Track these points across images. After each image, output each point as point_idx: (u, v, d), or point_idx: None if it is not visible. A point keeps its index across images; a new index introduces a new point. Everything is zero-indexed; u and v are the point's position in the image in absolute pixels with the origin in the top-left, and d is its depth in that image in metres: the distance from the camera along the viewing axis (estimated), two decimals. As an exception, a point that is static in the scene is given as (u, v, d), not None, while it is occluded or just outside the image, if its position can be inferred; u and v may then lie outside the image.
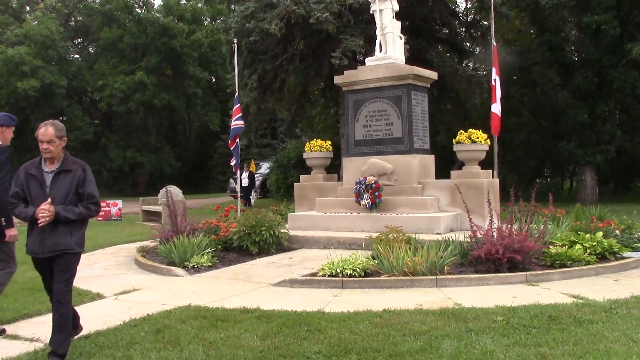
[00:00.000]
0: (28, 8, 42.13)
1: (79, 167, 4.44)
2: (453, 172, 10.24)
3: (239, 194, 14.15)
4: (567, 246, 7.44)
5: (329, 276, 6.71)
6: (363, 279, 6.61)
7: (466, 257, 7.18)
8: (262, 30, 16.79)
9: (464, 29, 22.30)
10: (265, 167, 31.08)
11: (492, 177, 10.18)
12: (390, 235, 7.58)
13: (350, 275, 6.64)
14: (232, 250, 8.93)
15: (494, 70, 11.44)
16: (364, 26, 16.67)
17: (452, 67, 19.12)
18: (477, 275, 6.64)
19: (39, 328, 5.21)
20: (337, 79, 11.27)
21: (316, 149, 11.82)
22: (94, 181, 4.51)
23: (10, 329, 5.24)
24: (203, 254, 8.19)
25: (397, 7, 10.92)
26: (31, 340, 4.90)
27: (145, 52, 37.99)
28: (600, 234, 7.93)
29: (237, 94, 13.30)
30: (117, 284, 7.24)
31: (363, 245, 8.47)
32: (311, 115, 27.18)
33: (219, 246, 8.97)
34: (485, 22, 20.60)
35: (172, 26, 36.42)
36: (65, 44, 37.33)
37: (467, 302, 5.64)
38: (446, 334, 4.59)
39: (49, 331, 4.41)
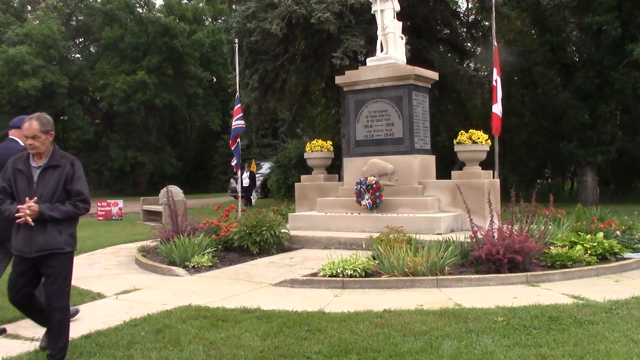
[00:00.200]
0: (29, 7, 42.18)
1: (67, 162, 4.20)
2: (454, 173, 10.23)
3: (239, 194, 14.13)
4: (567, 247, 7.44)
5: (330, 276, 6.70)
6: (364, 279, 6.61)
7: (467, 258, 7.18)
8: (263, 30, 16.80)
9: (465, 30, 22.31)
10: (266, 167, 31.10)
11: (493, 177, 10.17)
12: (390, 236, 7.58)
13: (351, 276, 6.64)
14: (233, 250, 8.93)
15: (495, 70, 11.43)
16: (365, 26, 16.68)
17: (453, 67, 19.11)
18: (477, 276, 6.63)
19: (40, 328, 5.19)
20: (338, 79, 11.28)
21: (317, 149, 11.83)
22: (84, 177, 4.28)
23: (10, 328, 5.25)
24: (204, 254, 8.19)
25: (398, 8, 10.92)
26: (32, 339, 4.89)
27: (146, 51, 38.02)
28: (601, 234, 7.92)
29: (238, 93, 13.30)
30: (117, 283, 7.24)
31: (364, 246, 8.46)
32: (312, 115, 27.19)
33: (220, 246, 8.96)
34: (487, 23, 20.63)
35: (174, 26, 36.47)
36: (66, 44, 37.37)
37: (467, 302, 5.64)
38: (446, 335, 4.59)
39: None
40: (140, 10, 39.51)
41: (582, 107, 19.43)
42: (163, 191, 15.58)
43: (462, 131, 10.03)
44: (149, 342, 4.63)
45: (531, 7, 20.59)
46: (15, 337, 5.02)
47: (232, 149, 12.87)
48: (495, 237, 6.93)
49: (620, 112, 22.39)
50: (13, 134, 5.49)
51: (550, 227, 8.08)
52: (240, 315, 5.35)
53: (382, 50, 10.95)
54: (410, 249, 6.92)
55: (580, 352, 4.10)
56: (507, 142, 19.89)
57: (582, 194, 20.04)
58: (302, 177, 12.13)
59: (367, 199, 9.82)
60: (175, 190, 15.34)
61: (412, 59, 13.09)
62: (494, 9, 12.28)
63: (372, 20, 11.75)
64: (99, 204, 18.37)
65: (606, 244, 7.64)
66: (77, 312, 5.58)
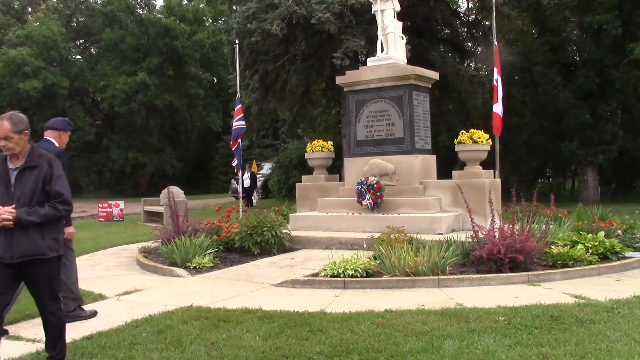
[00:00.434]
0: (30, 9, 42.22)
1: (45, 162, 3.96)
2: (455, 172, 10.23)
3: (240, 195, 14.13)
4: (569, 246, 7.44)
5: (331, 276, 6.70)
6: (365, 279, 6.61)
7: (468, 257, 7.18)
8: (263, 30, 16.80)
9: (465, 29, 22.29)
10: (267, 168, 31.09)
11: (494, 177, 10.17)
12: (391, 236, 7.58)
13: (352, 276, 6.63)
14: (234, 250, 8.93)
15: (495, 70, 11.43)
16: (366, 26, 16.67)
17: (454, 67, 19.11)
18: (478, 276, 6.63)
19: (41, 329, 5.18)
20: (339, 80, 11.28)
21: (318, 150, 11.83)
22: (64, 177, 4.04)
23: (12, 329, 5.24)
24: (205, 255, 8.19)
25: (398, 8, 10.93)
26: (33, 341, 4.90)
27: (147, 52, 38.03)
28: (602, 234, 7.92)
29: (238, 94, 13.30)
30: (119, 284, 7.25)
31: (365, 246, 8.46)
32: (313, 115, 27.19)
33: (221, 247, 8.96)
34: (487, 22, 20.62)
35: (174, 27, 36.45)
36: (67, 45, 37.40)
37: (468, 302, 5.64)
38: (448, 334, 4.59)
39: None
40: (141, 12, 39.51)
41: (582, 106, 19.42)
42: (164, 192, 15.55)
43: (462, 131, 10.04)
44: (151, 343, 4.63)
45: (531, 6, 20.58)
46: (17, 338, 5.02)
47: (233, 149, 12.87)
48: (497, 237, 6.93)
49: (621, 111, 22.37)
50: (49, 135, 5.49)
51: (551, 226, 8.08)
52: (241, 315, 5.36)
53: (382, 51, 10.95)
54: (412, 249, 6.92)
55: (582, 352, 4.10)
56: (508, 141, 19.89)
57: (583, 193, 20.03)
58: (303, 177, 12.13)
59: (368, 199, 9.82)
60: (176, 191, 15.32)
61: (412, 59, 13.09)
62: (494, 9, 12.28)
63: (373, 21, 11.76)
64: (100, 205, 18.41)
65: (607, 243, 7.64)
66: (95, 313, 5.64)
